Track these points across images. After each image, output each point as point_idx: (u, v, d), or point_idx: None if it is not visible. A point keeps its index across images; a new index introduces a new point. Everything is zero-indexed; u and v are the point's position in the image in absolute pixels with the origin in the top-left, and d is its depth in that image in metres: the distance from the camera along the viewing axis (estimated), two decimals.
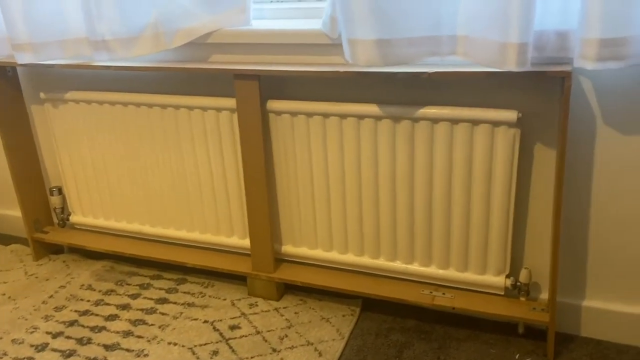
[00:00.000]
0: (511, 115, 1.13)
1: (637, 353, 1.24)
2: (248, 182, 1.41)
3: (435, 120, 1.21)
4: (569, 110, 1.08)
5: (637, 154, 1.14)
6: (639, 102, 1.11)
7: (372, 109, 1.25)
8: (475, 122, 1.17)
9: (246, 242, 1.52)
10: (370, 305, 1.45)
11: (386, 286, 1.39)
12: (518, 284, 1.28)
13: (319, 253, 1.45)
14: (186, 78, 1.48)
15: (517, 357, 1.24)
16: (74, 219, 1.75)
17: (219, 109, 1.41)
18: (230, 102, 1.38)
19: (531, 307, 1.27)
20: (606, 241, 1.23)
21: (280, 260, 1.52)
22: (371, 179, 1.32)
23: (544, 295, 1.31)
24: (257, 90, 1.32)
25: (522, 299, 1.29)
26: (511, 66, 1.01)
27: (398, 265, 1.37)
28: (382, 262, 1.39)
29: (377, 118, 1.26)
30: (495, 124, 1.15)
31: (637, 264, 1.22)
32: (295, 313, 1.43)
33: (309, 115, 1.33)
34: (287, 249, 1.49)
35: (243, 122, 1.36)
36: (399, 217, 1.32)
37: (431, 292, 1.34)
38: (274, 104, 1.35)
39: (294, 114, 1.34)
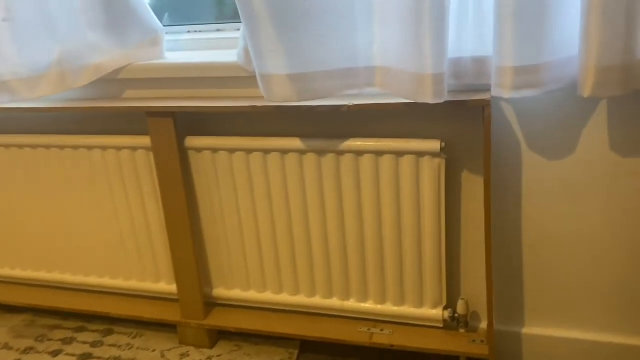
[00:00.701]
0: (434, 145, 1.09)
1: None
2: (170, 223, 1.32)
3: (359, 153, 1.16)
4: (490, 139, 1.05)
5: (563, 178, 1.13)
6: (561, 126, 1.10)
7: (296, 143, 1.19)
8: (399, 154, 1.13)
9: (174, 288, 1.42)
10: (309, 347, 1.38)
11: (323, 325, 1.32)
12: (456, 315, 1.24)
13: (252, 295, 1.37)
14: (99, 116, 1.39)
15: None
16: None
17: (134, 148, 1.32)
18: (146, 140, 1.30)
19: (471, 339, 1.23)
20: (541, 266, 1.21)
21: (212, 304, 1.43)
22: (300, 214, 1.25)
23: (484, 325, 1.27)
24: (173, 128, 1.24)
25: (462, 330, 1.25)
26: (427, 98, 0.97)
27: (335, 302, 1.31)
28: (318, 300, 1.32)
29: (301, 152, 1.20)
30: (419, 154, 1.11)
31: (572, 288, 1.20)
32: None
33: (231, 151, 1.26)
34: (219, 292, 1.40)
35: (160, 162, 1.28)
36: (332, 251, 1.26)
37: (369, 329, 1.28)
38: (193, 141, 1.27)
39: (215, 150, 1.27)
